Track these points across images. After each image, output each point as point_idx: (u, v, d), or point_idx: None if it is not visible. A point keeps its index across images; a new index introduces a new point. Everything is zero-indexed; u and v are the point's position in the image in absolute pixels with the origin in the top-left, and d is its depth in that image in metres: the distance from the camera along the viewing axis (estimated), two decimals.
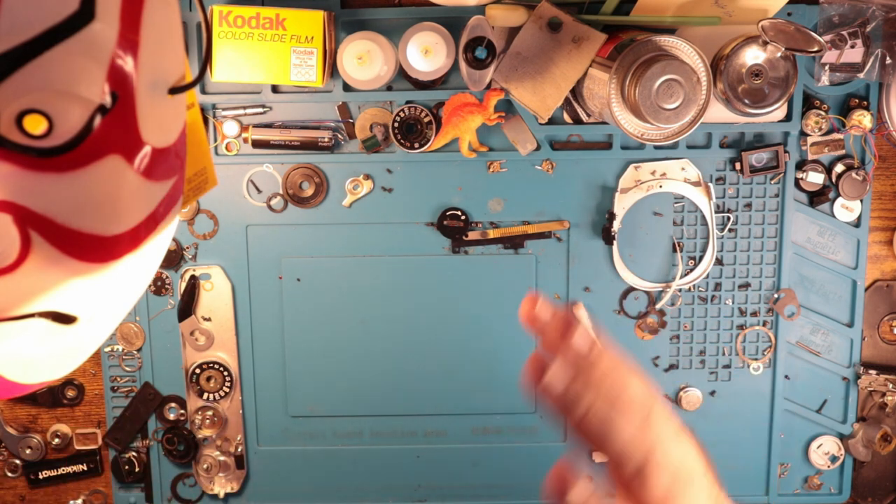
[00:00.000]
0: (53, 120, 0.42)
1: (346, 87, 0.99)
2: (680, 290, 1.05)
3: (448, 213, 1.03)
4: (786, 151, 1.01)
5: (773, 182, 1.03)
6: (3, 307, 0.44)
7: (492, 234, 1.04)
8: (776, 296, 1.05)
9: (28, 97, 0.41)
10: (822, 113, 1.00)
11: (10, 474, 1.10)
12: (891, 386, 1.06)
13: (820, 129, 1.00)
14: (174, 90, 0.50)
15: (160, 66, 0.49)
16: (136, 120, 0.46)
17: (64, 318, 0.47)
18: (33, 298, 0.44)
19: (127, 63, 0.45)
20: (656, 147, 1.01)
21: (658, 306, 1.05)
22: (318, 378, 1.07)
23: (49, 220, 0.44)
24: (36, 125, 0.42)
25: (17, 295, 0.44)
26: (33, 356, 0.48)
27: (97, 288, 0.47)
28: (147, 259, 0.51)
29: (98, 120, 0.44)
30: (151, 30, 0.47)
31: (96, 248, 0.46)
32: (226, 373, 1.06)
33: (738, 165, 1.01)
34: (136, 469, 1.08)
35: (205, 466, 1.08)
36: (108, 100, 0.44)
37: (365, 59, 0.94)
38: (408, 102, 1.00)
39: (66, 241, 0.45)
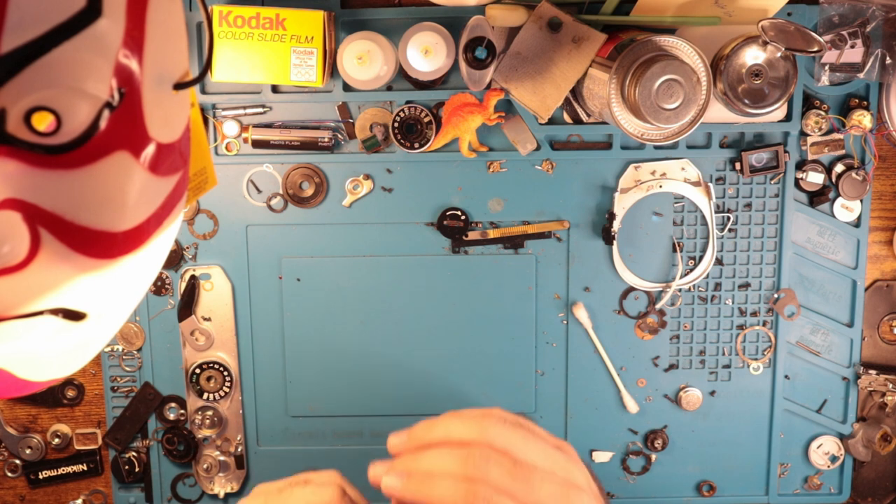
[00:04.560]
0: (61, 117, 0.42)
1: (346, 87, 0.99)
2: (680, 290, 1.05)
3: (448, 213, 1.03)
4: (786, 151, 1.01)
5: (773, 182, 1.03)
6: (13, 305, 0.44)
7: (492, 234, 1.04)
8: (776, 296, 1.05)
9: (36, 95, 0.41)
10: (822, 113, 1.00)
11: (10, 474, 1.09)
12: (891, 386, 1.06)
13: (820, 129, 1.00)
14: (179, 85, 0.50)
15: (165, 61, 0.49)
16: (143, 115, 0.46)
17: (73, 315, 0.47)
18: (43, 296, 0.44)
19: (133, 59, 0.45)
20: (656, 147, 1.02)
21: (658, 306, 1.06)
22: (318, 378, 1.07)
23: (58, 217, 0.44)
24: (44, 122, 0.42)
25: (26, 292, 0.44)
26: (43, 353, 0.48)
27: (106, 284, 0.47)
28: (154, 255, 0.51)
29: (105, 116, 0.44)
30: (156, 25, 0.47)
31: (105, 245, 0.46)
32: (226, 373, 1.06)
33: (738, 165, 1.02)
34: (136, 469, 1.08)
35: (205, 466, 1.08)
36: (115, 96, 0.44)
37: (365, 59, 0.94)
38: (408, 102, 1.00)
39: (74, 238, 0.45)
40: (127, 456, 1.08)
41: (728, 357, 1.07)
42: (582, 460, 0.72)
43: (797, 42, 0.86)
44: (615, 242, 1.03)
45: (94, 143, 0.44)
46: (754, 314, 1.06)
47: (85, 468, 1.09)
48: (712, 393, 1.08)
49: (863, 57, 0.97)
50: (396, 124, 1.00)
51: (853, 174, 1.01)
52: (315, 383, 1.07)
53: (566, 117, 1.01)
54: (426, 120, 1.00)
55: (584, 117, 1.01)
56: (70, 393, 1.08)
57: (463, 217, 1.03)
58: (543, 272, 1.05)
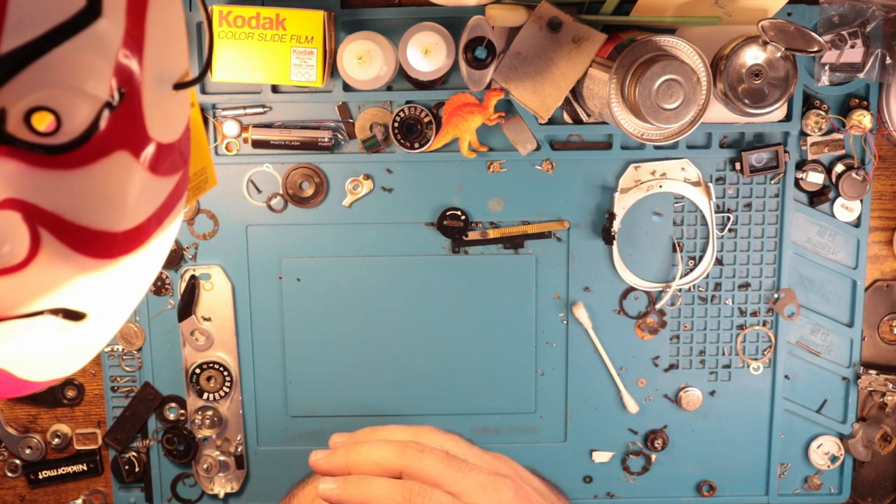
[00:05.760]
0: (61, 117, 0.42)
1: (346, 87, 0.99)
2: (680, 290, 1.05)
3: (448, 213, 1.03)
4: (786, 151, 1.01)
5: (773, 182, 1.03)
6: (13, 305, 0.44)
7: (492, 234, 1.04)
8: (776, 296, 1.05)
9: (36, 95, 0.41)
10: (822, 113, 1.00)
11: (10, 474, 1.09)
12: (891, 386, 1.06)
13: (820, 129, 1.00)
14: (179, 85, 0.50)
15: (165, 61, 0.49)
16: (143, 115, 0.46)
17: (73, 315, 0.47)
18: (43, 296, 0.44)
19: (133, 59, 0.45)
20: (656, 147, 1.02)
21: (658, 306, 1.06)
22: (318, 378, 1.07)
23: (58, 217, 0.44)
24: (44, 122, 0.42)
25: (26, 292, 0.44)
26: (43, 354, 0.48)
27: (106, 284, 0.47)
28: (154, 255, 0.51)
29: (105, 116, 0.44)
30: (156, 25, 0.47)
31: (105, 245, 0.46)
32: (226, 373, 1.06)
33: (738, 165, 1.02)
34: (136, 469, 1.08)
35: (205, 466, 1.08)
36: (115, 96, 0.44)
37: (365, 59, 0.94)
38: (408, 102, 1.00)
39: (74, 238, 0.45)
40: (127, 456, 1.08)
41: (728, 357, 1.07)
42: (525, 467, 0.72)
43: (797, 42, 0.86)
44: (615, 242, 1.03)
45: (94, 143, 0.44)
46: (754, 314, 1.06)
47: (85, 468, 1.09)
48: (712, 393, 1.08)
49: (863, 57, 0.97)
50: (396, 124, 1.00)
51: (853, 174, 1.01)
52: (315, 383, 1.07)
53: (566, 117, 1.01)
54: (426, 120, 1.00)
55: (584, 117, 1.01)
56: (70, 393, 1.08)
57: (463, 217, 1.03)
58: (543, 272, 1.05)
